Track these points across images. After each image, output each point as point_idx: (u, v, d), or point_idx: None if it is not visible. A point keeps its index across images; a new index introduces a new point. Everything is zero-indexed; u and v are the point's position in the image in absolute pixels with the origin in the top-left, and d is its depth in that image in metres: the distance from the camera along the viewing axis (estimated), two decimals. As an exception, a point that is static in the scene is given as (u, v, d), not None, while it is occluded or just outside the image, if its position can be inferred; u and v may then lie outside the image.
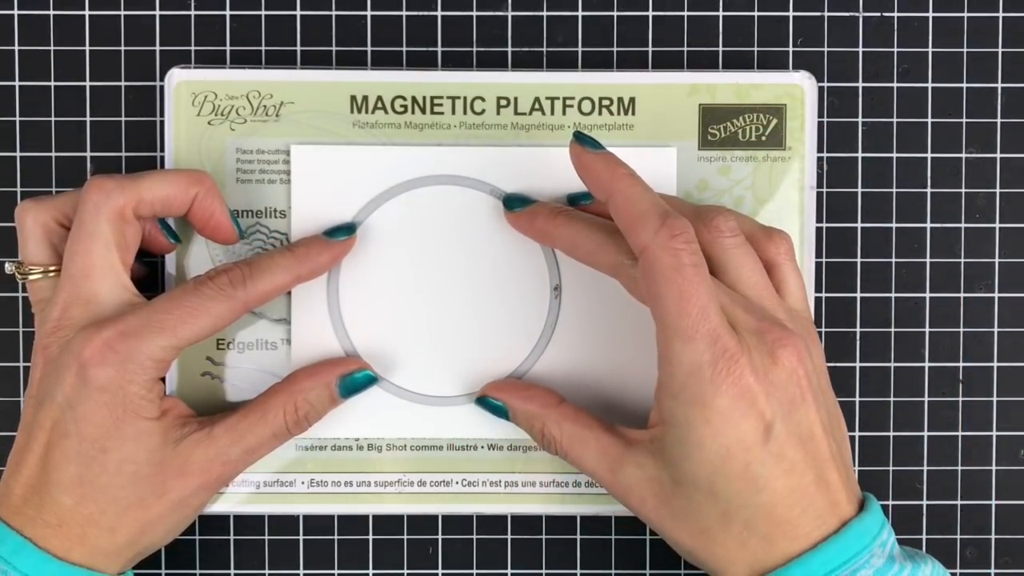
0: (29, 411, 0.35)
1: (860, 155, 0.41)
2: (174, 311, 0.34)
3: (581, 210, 0.38)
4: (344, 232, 0.38)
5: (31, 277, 0.36)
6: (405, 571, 0.41)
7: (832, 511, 0.33)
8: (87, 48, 0.41)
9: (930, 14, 0.41)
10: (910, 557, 0.34)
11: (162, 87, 0.40)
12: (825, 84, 0.41)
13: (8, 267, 0.37)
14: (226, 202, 0.38)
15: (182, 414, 0.36)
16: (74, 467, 0.34)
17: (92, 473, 0.34)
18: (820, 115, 0.41)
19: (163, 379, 0.36)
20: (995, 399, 0.41)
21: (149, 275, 0.40)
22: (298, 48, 0.41)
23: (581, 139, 0.35)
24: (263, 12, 0.41)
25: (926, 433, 0.42)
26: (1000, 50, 0.41)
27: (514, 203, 0.38)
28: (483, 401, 0.38)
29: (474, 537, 0.41)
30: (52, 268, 0.36)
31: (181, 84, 0.39)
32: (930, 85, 0.41)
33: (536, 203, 0.38)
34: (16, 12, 0.41)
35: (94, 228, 0.35)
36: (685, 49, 0.41)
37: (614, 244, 0.35)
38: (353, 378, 0.38)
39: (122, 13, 0.41)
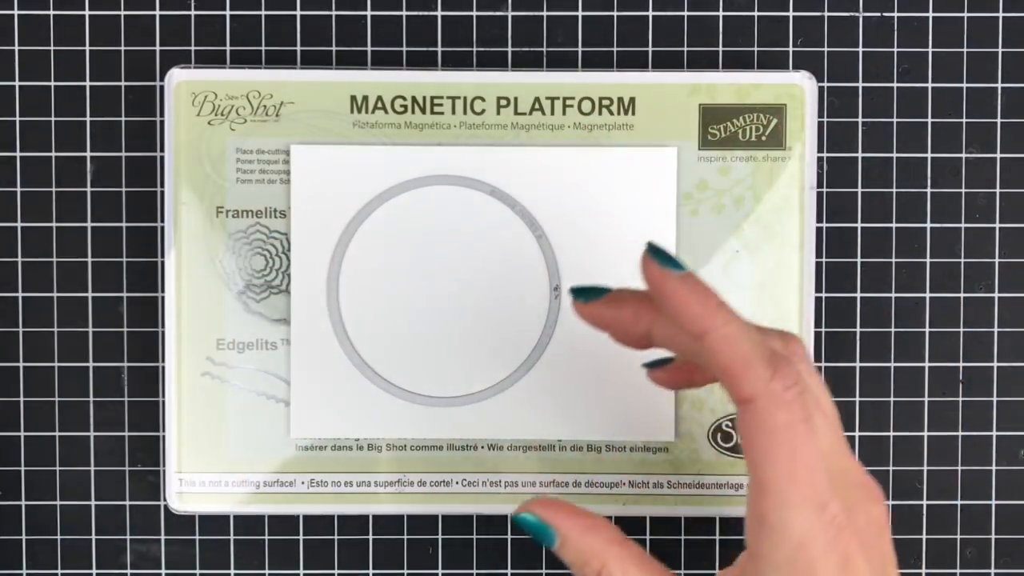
0: None
1: (860, 155, 0.41)
2: None
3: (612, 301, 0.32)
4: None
5: None
6: (405, 571, 0.41)
7: None
8: (87, 48, 0.41)
9: (930, 14, 0.41)
10: None
11: (162, 87, 0.40)
12: (825, 84, 0.41)
13: None
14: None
15: None
16: None
17: None
18: (820, 115, 0.41)
19: None
20: (995, 399, 0.41)
21: (149, 274, 0.41)
22: (298, 48, 0.41)
23: (658, 255, 0.30)
24: (263, 12, 0.41)
25: (926, 433, 0.42)
26: (1000, 50, 0.41)
27: (586, 294, 0.33)
28: (524, 520, 0.32)
29: (474, 537, 0.41)
30: None
31: (181, 84, 0.39)
32: (930, 85, 0.41)
33: (611, 289, 0.33)
34: (16, 12, 0.41)
35: None
36: (685, 49, 0.41)
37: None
38: None
39: (122, 13, 0.41)
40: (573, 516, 0.32)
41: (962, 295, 0.41)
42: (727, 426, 0.39)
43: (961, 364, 0.41)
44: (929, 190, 0.41)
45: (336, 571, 0.41)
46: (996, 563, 0.42)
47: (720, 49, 0.41)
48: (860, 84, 0.41)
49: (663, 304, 0.30)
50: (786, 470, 0.28)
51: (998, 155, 0.41)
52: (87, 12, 0.41)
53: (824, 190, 0.41)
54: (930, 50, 0.41)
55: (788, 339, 0.32)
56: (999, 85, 0.41)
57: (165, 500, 0.41)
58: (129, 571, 0.41)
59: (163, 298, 0.40)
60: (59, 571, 0.41)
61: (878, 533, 0.30)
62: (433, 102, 0.39)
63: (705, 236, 0.39)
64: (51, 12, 0.41)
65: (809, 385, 0.30)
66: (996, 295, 0.41)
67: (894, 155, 0.41)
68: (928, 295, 0.41)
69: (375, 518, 0.41)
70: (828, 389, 0.31)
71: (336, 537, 0.41)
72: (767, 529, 0.29)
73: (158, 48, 0.41)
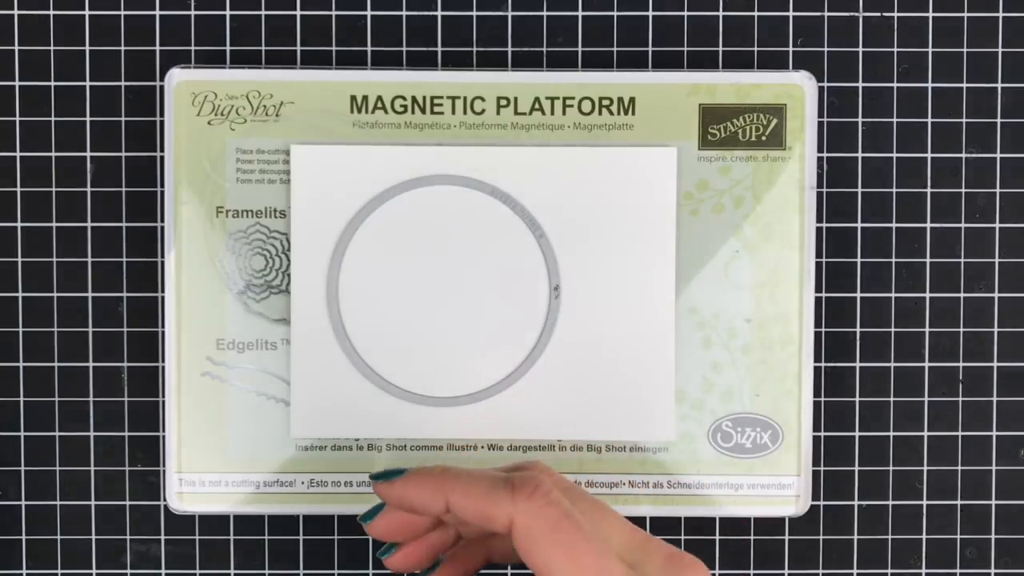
0: None
1: (860, 155, 0.41)
2: None
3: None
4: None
5: None
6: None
7: None
8: (87, 48, 0.41)
9: (930, 14, 0.41)
10: None
11: (162, 87, 0.40)
12: (825, 84, 0.41)
13: None
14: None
15: None
16: None
17: None
18: (820, 115, 0.41)
19: None
20: (995, 399, 0.41)
21: (149, 274, 0.41)
22: (298, 48, 0.41)
23: (376, 477, 0.33)
24: (263, 12, 0.41)
25: (926, 433, 0.42)
26: (1000, 50, 0.41)
27: (382, 476, 0.34)
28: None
29: (474, 537, 0.41)
30: None
31: (181, 84, 0.39)
32: (930, 85, 0.41)
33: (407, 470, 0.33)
34: (16, 12, 0.41)
35: None
36: (685, 49, 0.41)
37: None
38: None
39: (122, 13, 0.41)
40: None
41: (962, 295, 0.41)
42: (727, 426, 0.39)
43: (961, 364, 0.41)
44: (929, 190, 0.41)
45: (336, 571, 0.41)
46: (996, 563, 0.42)
47: (720, 49, 0.41)
48: (860, 84, 0.41)
49: (409, 507, 0.32)
50: (568, 567, 0.29)
51: (998, 155, 0.41)
52: (87, 12, 0.41)
53: (824, 190, 0.41)
54: (930, 50, 0.41)
55: (529, 464, 0.33)
56: (999, 85, 0.41)
57: (165, 500, 0.41)
58: (129, 571, 0.41)
59: (163, 298, 0.40)
60: (59, 571, 0.41)
61: None
62: (433, 102, 0.39)
63: (705, 236, 0.39)
64: (51, 12, 0.41)
65: (561, 488, 0.31)
66: (996, 295, 0.41)
67: (894, 155, 0.41)
68: (928, 295, 0.41)
69: (375, 518, 0.41)
70: (584, 490, 0.32)
71: (336, 537, 0.41)
72: None
73: (158, 48, 0.41)
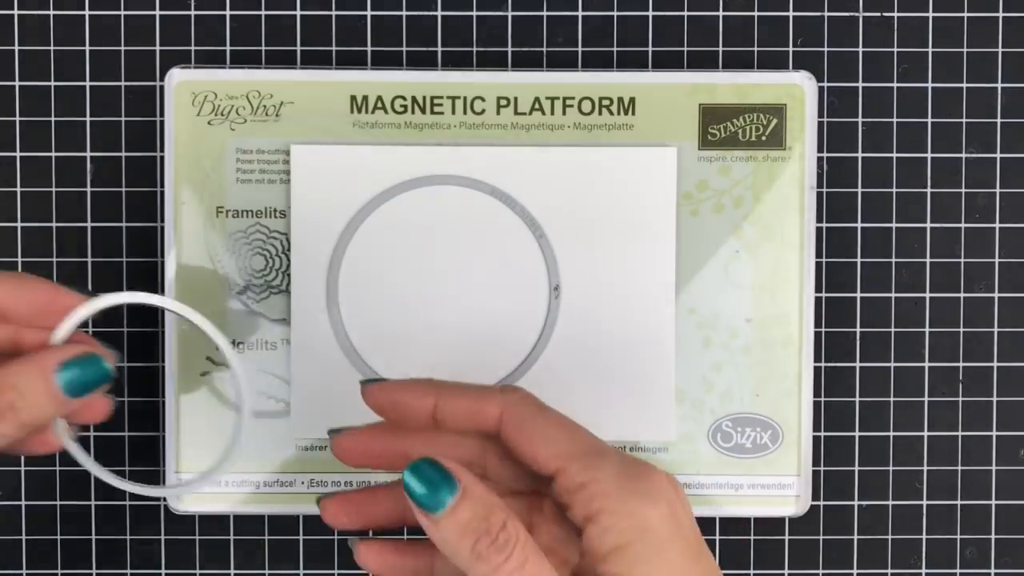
0: None
1: (860, 155, 0.41)
2: None
3: None
4: (93, 378, 0.30)
5: None
6: (405, 571, 0.41)
7: None
8: (87, 48, 0.41)
9: (930, 14, 0.41)
10: None
11: (162, 87, 0.40)
12: (825, 84, 0.41)
13: None
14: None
15: None
16: None
17: None
18: (820, 115, 0.41)
19: None
20: (995, 399, 0.41)
21: (149, 274, 0.41)
22: (298, 48, 0.41)
23: (368, 381, 0.32)
24: (263, 12, 0.41)
25: (926, 433, 0.42)
26: (1000, 50, 0.41)
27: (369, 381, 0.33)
28: (420, 470, 0.28)
29: (474, 537, 0.41)
30: None
31: (181, 84, 0.39)
32: (930, 85, 0.41)
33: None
34: (16, 12, 0.41)
35: None
36: (685, 49, 0.41)
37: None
38: (75, 366, 0.29)
39: (122, 13, 0.41)
40: (467, 469, 0.29)
41: (962, 295, 0.41)
42: (727, 426, 0.39)
43: (961, 364, 0.41)
44: (929, 190, 0.41)
45: (336, 571, 0.41)
46: (996, 563, 0.42)
47: (720, 49, 0.41)
48: (860, 84, 0.41)
49: (397, 412, 0.31)
50: (566, 435, 0.30)
51: (998, 155, 0.41)
52: (87, 12, 0.41)
53: (824, 190, 0.41)
54: (930, 50, 0.41)
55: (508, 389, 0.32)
56: (999, 85, 0.41)
57: (165, 500, 0.41)
58: (129, 571, 0.41)
59: (163, 298, 0.40)
60: (59, 571, 0.41)
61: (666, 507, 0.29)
62: (433, 102, 0.39)
63: (705, 236, 0.39)
64: (51, 12, 0.41)
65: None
66: (996, 295, 0.41)
67: (894, 155, 0.41)
68: (928, 295, 0.41)
69: (375, 518, 0.41)
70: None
71: (336, 537, 0.41)
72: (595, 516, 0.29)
73: (158, 48, 0.41)
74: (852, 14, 0.41)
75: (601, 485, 0.29)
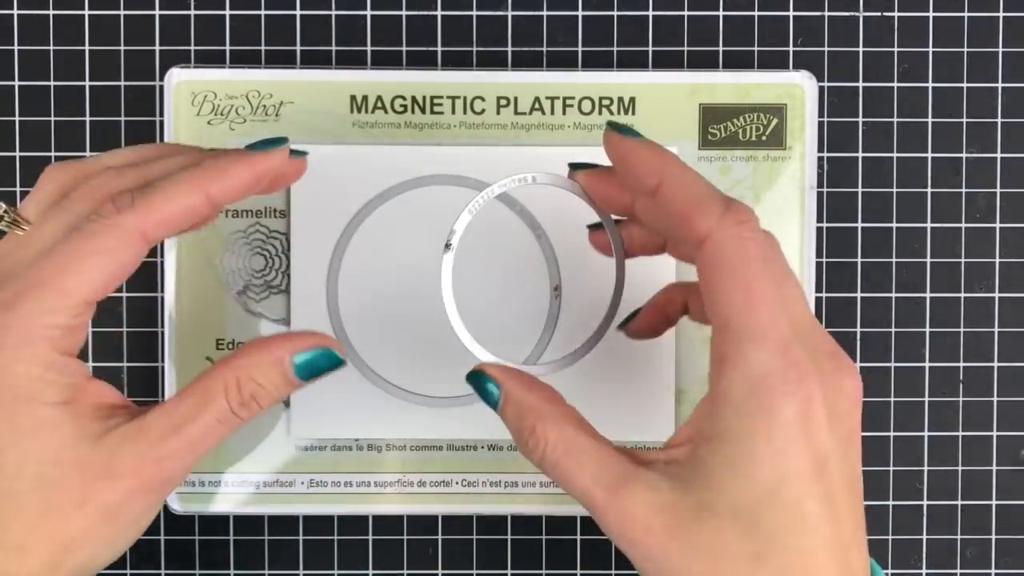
0: None
1: (860, 155, 0.41)
2: (53, 261, 0.28)
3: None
4: (270, 144, 0.31)
5: (12, 229, 0.30)
6: (405, 571, 0.41)
7: (862, 574, 0.28)
8: (87, 48, 0.41)
9: (930, 14, 0.41)
10: None
11: (162, 87, 0.40)
12: (825, 84, 0.41)
13: None
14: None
15: (106, 402, 0.29)
16: None
17: None
18: (820, 115, 0.41)
19: (78, 355, 0.29)
20: (995, 399, 0.41)
21: (149, 274, 0.40)
22: (298, 48, 0.41)
23: (616, 127, 0.30)
24: (263, 12, 0.41)
25: (926, 433, 0.42)
26: (1000, 50, 0.41)
27: (578, 166, 0.32)
28: (476, 378, 0.32)
29: (474, 537, 0.41)
30: None
31: (181, 84, 0.39)
32: (930, 85, 0.41)
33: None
34: (16, 12, 0.41)
35: (92, 246, 0.28)
36: (685, 49, 0.41)
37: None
38: (310, 360, 0.30)
39: (122, 13, 0.41)
40: (516, 376, 0.31)
41: (962, 295, 0.41)
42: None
43: (961, 364, 0.41)
44: (929, 190, 0.41)
45: (336, 571, 0.41)
46: (996, 563, 0.42)
47: (720, 49, 0.41)
48: (860, 84, 0.41)
49: (624, 167, 0.30)
50: (743, 304, 0.27)
51: (998, 155, 0.41)
52: (87, 12, 0.41)
53: (824, 190, 0.41)
54: (930, 50, 0.41)
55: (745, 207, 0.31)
56: (999, 85, 0.41)
57: (165, 500, 0.41)
58: (129, 571, 0.41)
59: (163, 298, 0.40)
60: (59, 571, 0.41)
61: (850, 407, 0.28)
62: (433, 102, 0.39)
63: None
64: (51, 12, 0.41)
65: (769, 240, 0.29)
66: (996, 295, 0.41)
67: (894, 155, 0.41)
68: (928, 295, 0.41)
69: (375, 518, 0.41)
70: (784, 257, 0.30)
71: (336, 537, 0.41)
72: (727, 366, 0.27)
73: (158, 48, 0.41)
74: (852, 14, 0.41)
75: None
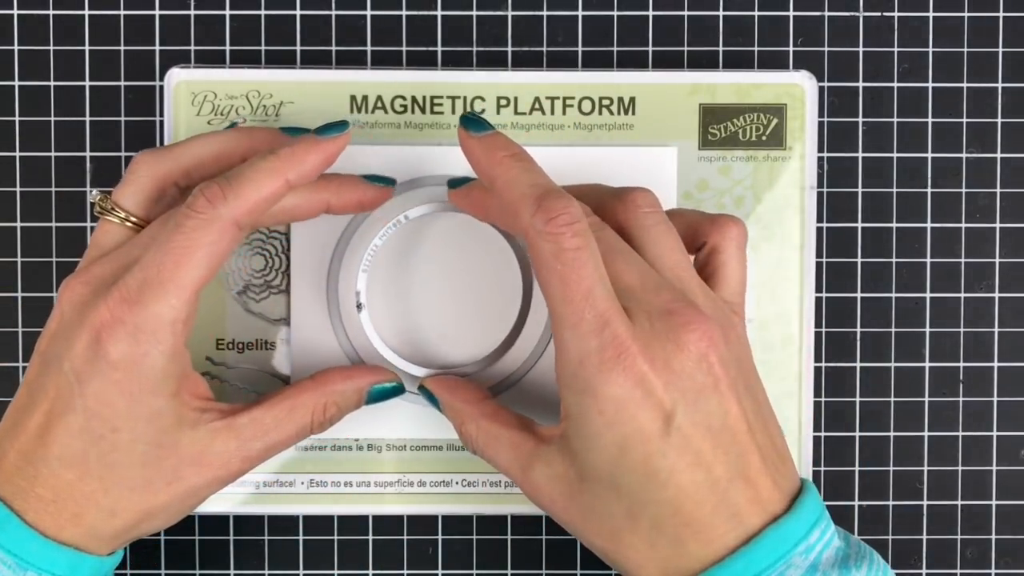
0: (35, 367, 0.33)
1: (860, 155, 0.41)
2: (165, 259, 0.31)
3: None
4: (336, 129, 0.34)
5: (107, 217, 0.34)
6: (405, 571, 0.41)
7: (753, 509, 0.30)
8: (87, 48, 0.41)
9: (930, 14, 0.41)
10: (842, 562, 0.31)
11: (162, 87, 0.40)
12: (825, 84, 0.41)
13: (93, 194, 0.35)
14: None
15: (201, 394, 0.34)
16: (79, 443, 0.31)
17: (99, 450, 0.31)
18: (820, 115, 0.41)
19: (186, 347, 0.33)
20: (995, 399, 0.41)
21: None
22: (298, 48, 0.41)
23: (467, 123, 0.33)
24: (263, 12, 0.41)
25: (926, 433, 0.42)
26: (1000, 50, 0.41)
27: (456, 182, 0.36)
28: (422, 390, 0.37)
29: (474, 537, 0.41)
30: (132, 220, 0.34)
31: (181, 84, 0.39)
32: (930, 85, 0.41)
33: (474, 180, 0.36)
34: (16, 12, 0.41)
35: (195, 241, 0.32)
36: (685, 49, 0.41)
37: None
38: (384, 388, 0.36)
39: (122, 13, 0.41)
40: (446, 384, 0.36)
41: (962, 295, 0.41)
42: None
43: (961, 364, 0.41)
44: (929, 190, 0.41)
45: (336, 571, 0.41)
46: (996, 563, 0.42)
47: (720, 49, 0.41)
48: (860, 84, 0.41)
49: (468, 161, 0.33)
50: (559, 294, 0.30)
51: (998, 155, 0.41)
52: (87, 12, 0.41)
53: (824, 190, 0.41)
54: (930, 50, 0.41)
55: (719, 218, 0.34)
56: (999, 85, 0.41)
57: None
58: (129, 571, 0.41)
59: (163, 298, 0.40)
60: (59, 571, 0.41)
61: (693, 360, 0.30)
62: (433, 102, 0.39)
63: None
64: (51, 12, 0.41)
65: (599, 225, 0.32)
66: (996, 295, 0.41)
67: (894, 155, 0.41)
68: (928, 295, 0.41)
69: (375, 518, 0.41)
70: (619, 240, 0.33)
71: (336, 537, 0.41)
72: (557, 351, 0.31)
73: (158, 48, 0.41)
74: (852, 14, 0.41)
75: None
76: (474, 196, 0.35)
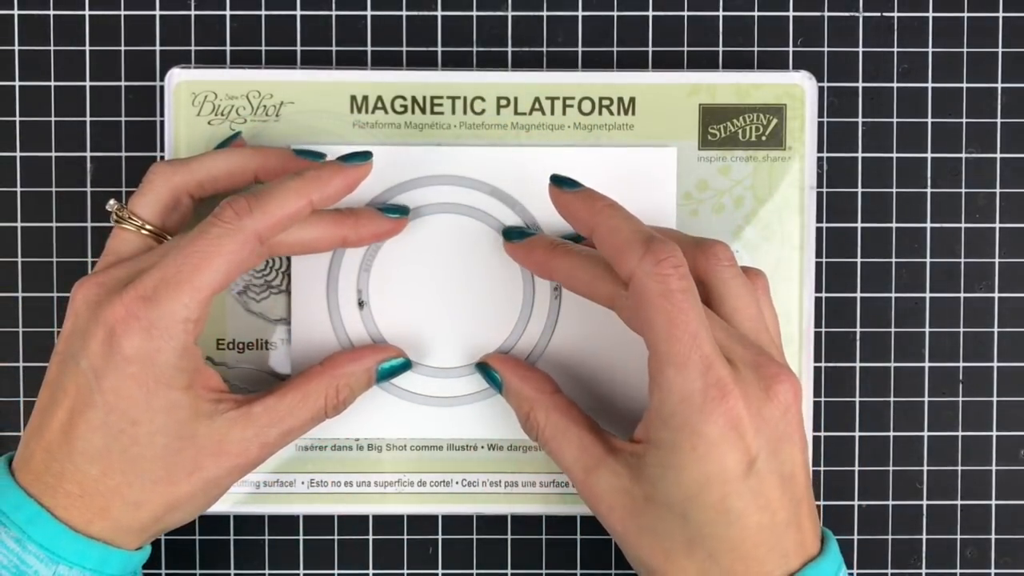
0: (54, 368, 0.34)
1: (860, 155, 0.41)
2: (185, 261, 0.33)
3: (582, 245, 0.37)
4: (360, 158, 0.36)
5: (124, 225, 0.35)
6: (405, 571, 0.41)
7: (799, 551, 0.32)
8: (87, 48, 0.41)
9: (930, 14, 0.41)
10: None
11: (162, 87, 0.40)
12: (825, 84, 0.41)
13: (111, 204, 0.36)
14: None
15: (215, 387, 0.35)
16: (100, 438, 0.32)
17: (121, 444, 0.32)
18: (820, 115, 0.41)
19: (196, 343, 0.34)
20: (995, 399, 0.41)
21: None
22: (298, 48, 0.41)
23: (558, 181, 0.35)
24: (263, 12, 0.41)
25: (926, 433, 0.42)
26: (1000, 50, 0.41)
27: (513, 235, 0.38)
28: (483, 368, 0.38)
29: (474, 537, 0.41)
30: (147, 228, 0.35)
31: (181, 84, 0.39)
32: (930, 85, 0.41)
33: (535, 235, 0.38)
34: (16, 12, 0.41)
35: (218, 249, 0.33)
36: (685, 49, 0.41)
37: (610, 275, 0.34)
38: (392, 364, 0.38)
39: (122, 13, 0.41)
40: (517, 368, 0.37)
41: (962, 295, 0.41)
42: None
43: (961, 364, 0.41)
44: (929, 190, 0.41)
45: (336, 571, 0.41)
46: (996, 563, 0.42)
47: (720, 49, 0.41)
48: (860, 84, 0.41)
49: (563, 216, 0.35)
50: (665, 333, 0.31)
51: (998, 155, 0.41)
52: (87, 12, 0.41)
53: (824, 190, 0.41)
54: (930, 50, 0.41)
55: (751, 272, 0.36)
56: (999, 85, 0.41)
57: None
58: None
59: (163, 298, 0.40)
60: (59, 571, 0.41)
61: (780, 411, 0.32)
62: (433, 102, 0.39)
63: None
64: (51, 12, 0.41)
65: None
66: (996, 295, 0.41)
67: (894, 155, 0.41)
68: (928, 295, 0.41)
69: (375, 518, 0.41)
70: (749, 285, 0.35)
71: (336, 537, 0.41)
72: (657, 387, 0.32)
73: (158, 48, 0.41)
74: (852, 14, 0.41)
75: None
76: (537, 256, 0.37)
